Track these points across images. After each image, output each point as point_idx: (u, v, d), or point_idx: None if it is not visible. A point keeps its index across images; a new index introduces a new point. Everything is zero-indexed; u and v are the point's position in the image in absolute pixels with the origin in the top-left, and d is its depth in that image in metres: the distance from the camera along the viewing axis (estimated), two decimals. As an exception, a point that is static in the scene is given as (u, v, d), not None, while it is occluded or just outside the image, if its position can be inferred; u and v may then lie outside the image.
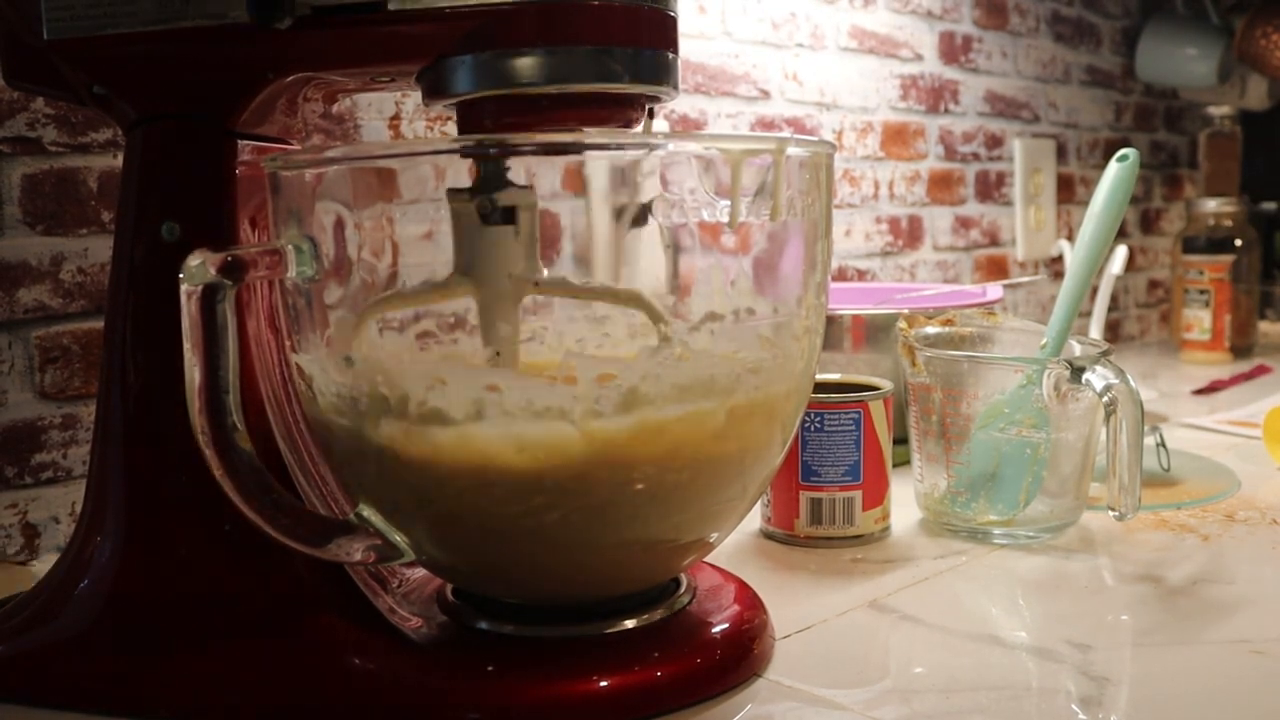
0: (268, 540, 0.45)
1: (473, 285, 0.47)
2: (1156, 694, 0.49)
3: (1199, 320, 1.44)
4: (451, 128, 0.88)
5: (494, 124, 0.49)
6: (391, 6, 0.47)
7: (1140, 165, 0.70)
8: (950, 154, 1.38)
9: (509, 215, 0.46)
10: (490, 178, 0.46)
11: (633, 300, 0.49)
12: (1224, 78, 1.61)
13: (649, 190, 0.46)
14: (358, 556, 0.47)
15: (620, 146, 0.46)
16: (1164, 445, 0.85)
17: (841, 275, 1.24)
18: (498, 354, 0.48)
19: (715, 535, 0.51)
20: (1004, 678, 0.50)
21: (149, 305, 0.50)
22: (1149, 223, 1.79)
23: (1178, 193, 1.86)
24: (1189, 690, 0.49)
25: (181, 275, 0.42)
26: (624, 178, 0.46)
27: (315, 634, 0.49)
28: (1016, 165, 1.49)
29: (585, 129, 0.49)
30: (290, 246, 0.45)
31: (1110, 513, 0.63)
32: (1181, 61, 1.61)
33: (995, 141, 1.45)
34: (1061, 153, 1.58)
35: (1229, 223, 1.49)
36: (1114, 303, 1.63)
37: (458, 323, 0.49)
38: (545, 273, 0.48)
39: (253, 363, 0.50)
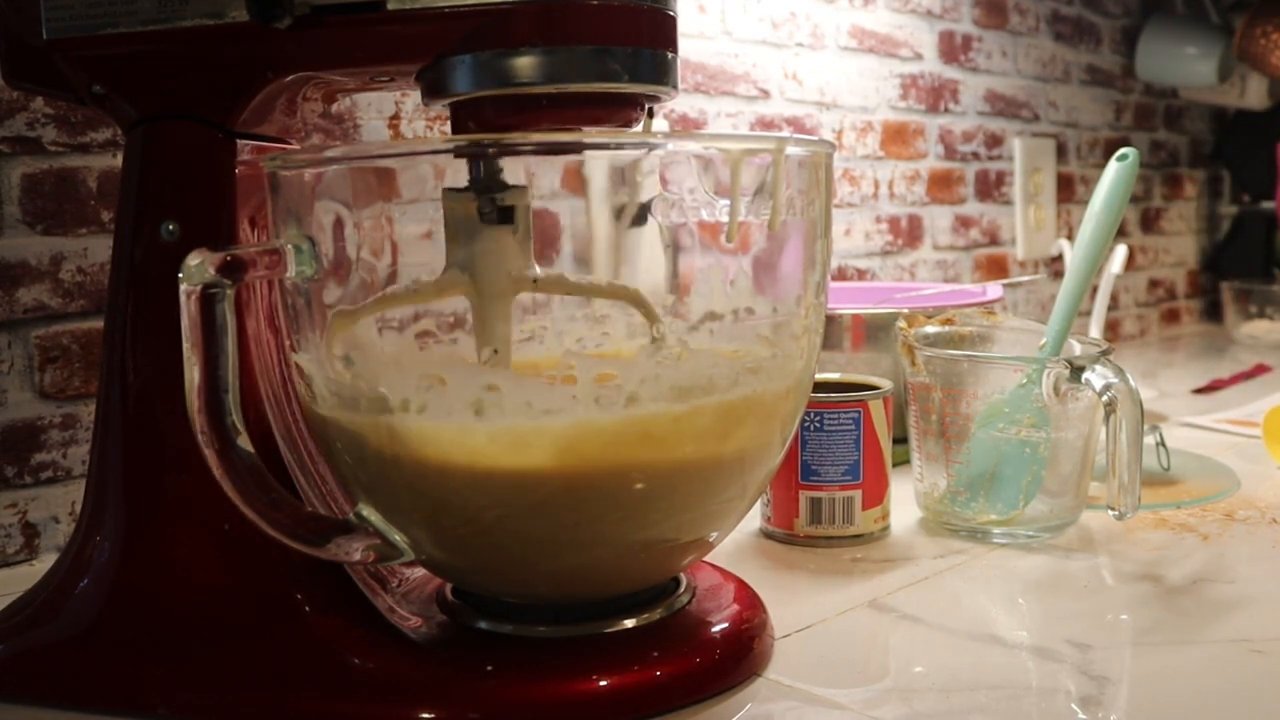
0: (268, 540, 0.45)
1: (468, 283, 0.47)
2: (1156, 693, 0.49)
3: None
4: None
5: (493, 123, 0.49)
6: (391, 6, 0.47)
7: (1140, 164, 0.70)
8: (950, 153, 1.38)
9: (507, 215, 0.46)
10: (487, 177, 0.46)
11: (628, 297, 0.49)
12: (1224, 77, 1.61)
13: (648, 190, 0.46)
14: (357, 556, 0.47)
15: (620, 146, 0.46)
16: (1164, 444, 0.85)
17: (841, 275, 1.24)
18: (495, 352, 0.48)
19: (715, 535, 0.51)
20: (1004, 677, 0.50)
21: (149, 305, 0.50)
22: (1149, 222, 1.79)
23: (1178, 192, 1.86)
24: (1189, 690, 0.49)
25: (181, 275, 0.42)
26: (623, 177, 0.46)
27: (315, 634, 0.49)
28: (1016, 164, 1.49)
29: (584, 128, 0.49)
30: (289, 246, 0.45)
31: (1110, 512, 0.63)
32: (1181, 61, 1.61)
33: (995, 141, 1.45)
34: (1061, 152, 1.58)
35: None
36: (1114, 302, 1.63)
37: (457, 322, 0.49)
38: (539, 270, 0.48)
39: (252, 362, 0.50)
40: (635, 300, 0.49)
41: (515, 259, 0.47)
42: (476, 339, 0.48)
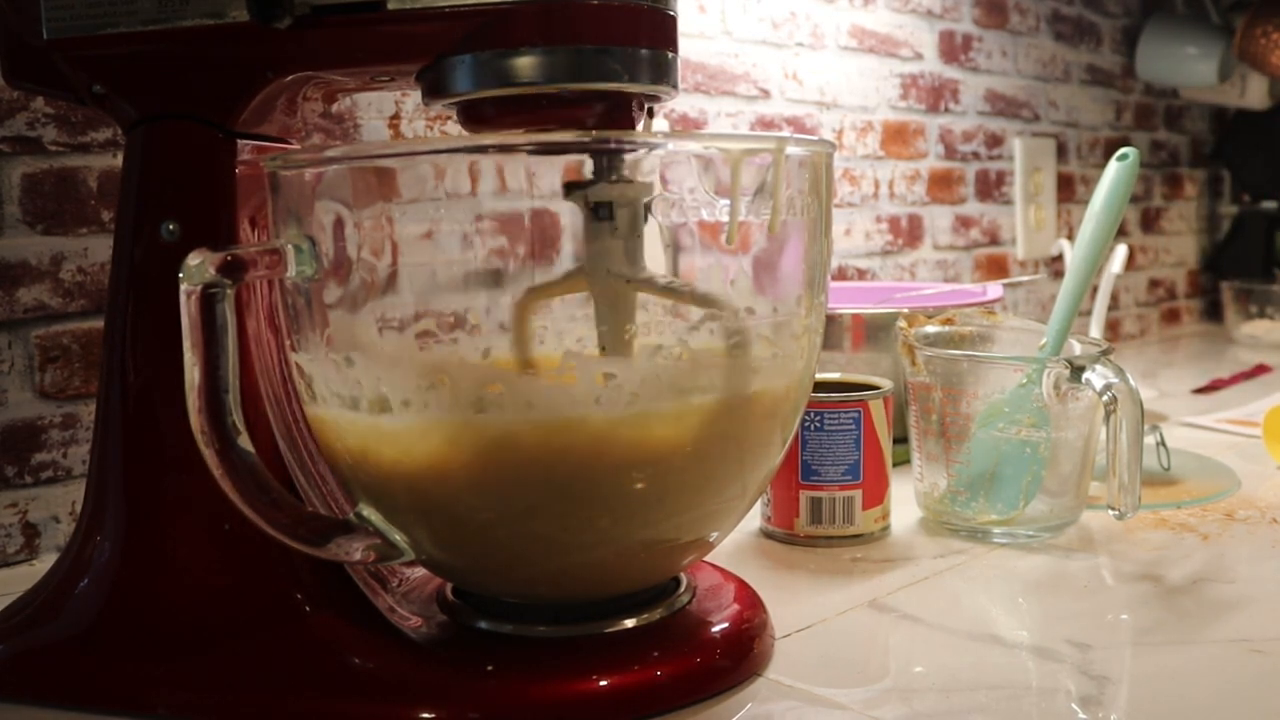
0: (268, 540, 0.45)
1: (585, 280, 0.47)
2: (1156, 693, 0.49)
3: None
4: (451, 127, 0.88)
5: (494, 123, 0.49)
6: (391, 6, 0.47)
7: (1140, 164, 0.70)
8: (950, 153, 1.38)
9: (607, 210, 0.46)
10: (600, 172, 0.45)
11: (708, 302, 0.48)
12: (1224, 77, 1.61)
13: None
14: (357, 556, 0.47)
15: (620, 146, 0.46)
16: (1164, 444, 0.85)
17: (841, 274, 1.24)
18: (603, 349, 0.47)
19: (715, 534, 0.51)
20: (1004, 677, 0.50)
21: (149, 305, 0.50)
22: (1149, 222, 1.79)
23: (1178, 192, 1.86)
24: (1189, 689, 0.49)
25: (181, 275, 0.42)
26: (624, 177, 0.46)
27: (315, 634, 0.49)
28: (1016, 164, 1.49)
29: (584, 128, 0.49)
30: (290, 246, 0.45)
31: (1110, 512, 0.63)
32: (1182, 61, 1.61)
33: (995, 141, 1.45)
34: (1062, 152, 1.58)
35: None
36: (1114, 302, 1.63)
37: (458, 322, 0.48)
38: (644, 271, 0.47)
39: (253, 362, 0.50)
40: (715, 305, 0.48)
41: (616, 257, 0.47)
42: (598, 336, 0.47)
